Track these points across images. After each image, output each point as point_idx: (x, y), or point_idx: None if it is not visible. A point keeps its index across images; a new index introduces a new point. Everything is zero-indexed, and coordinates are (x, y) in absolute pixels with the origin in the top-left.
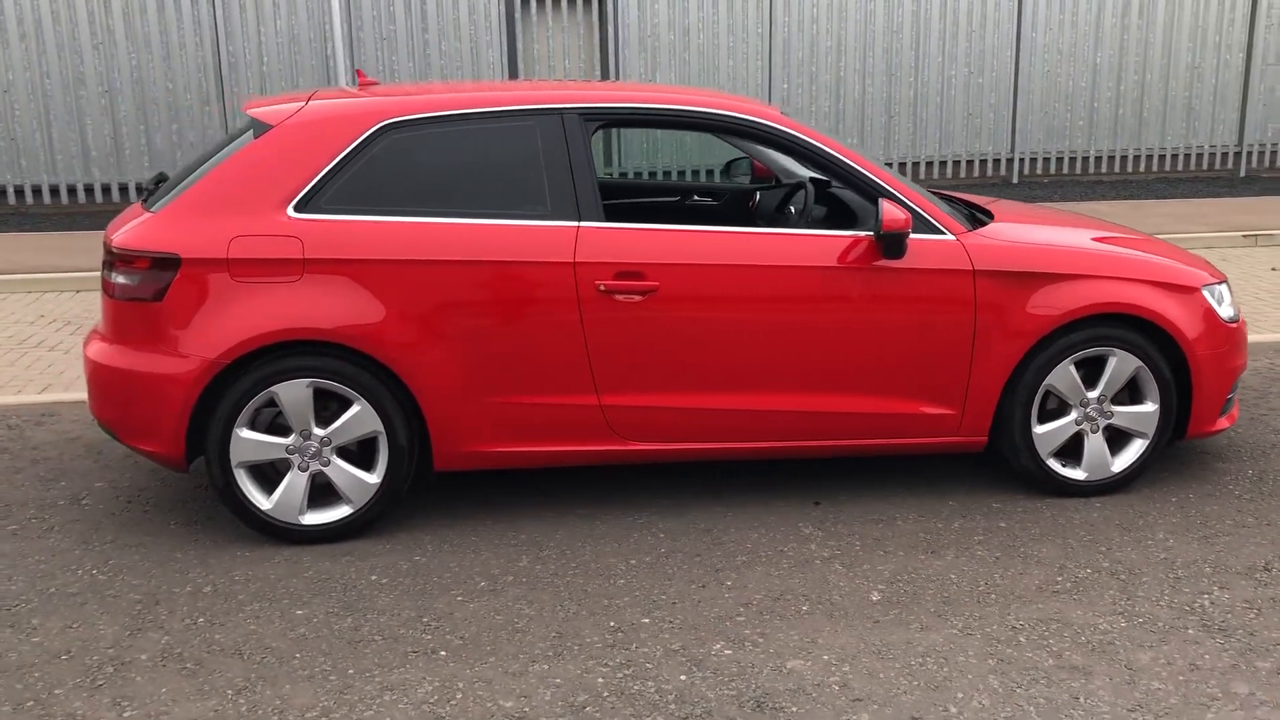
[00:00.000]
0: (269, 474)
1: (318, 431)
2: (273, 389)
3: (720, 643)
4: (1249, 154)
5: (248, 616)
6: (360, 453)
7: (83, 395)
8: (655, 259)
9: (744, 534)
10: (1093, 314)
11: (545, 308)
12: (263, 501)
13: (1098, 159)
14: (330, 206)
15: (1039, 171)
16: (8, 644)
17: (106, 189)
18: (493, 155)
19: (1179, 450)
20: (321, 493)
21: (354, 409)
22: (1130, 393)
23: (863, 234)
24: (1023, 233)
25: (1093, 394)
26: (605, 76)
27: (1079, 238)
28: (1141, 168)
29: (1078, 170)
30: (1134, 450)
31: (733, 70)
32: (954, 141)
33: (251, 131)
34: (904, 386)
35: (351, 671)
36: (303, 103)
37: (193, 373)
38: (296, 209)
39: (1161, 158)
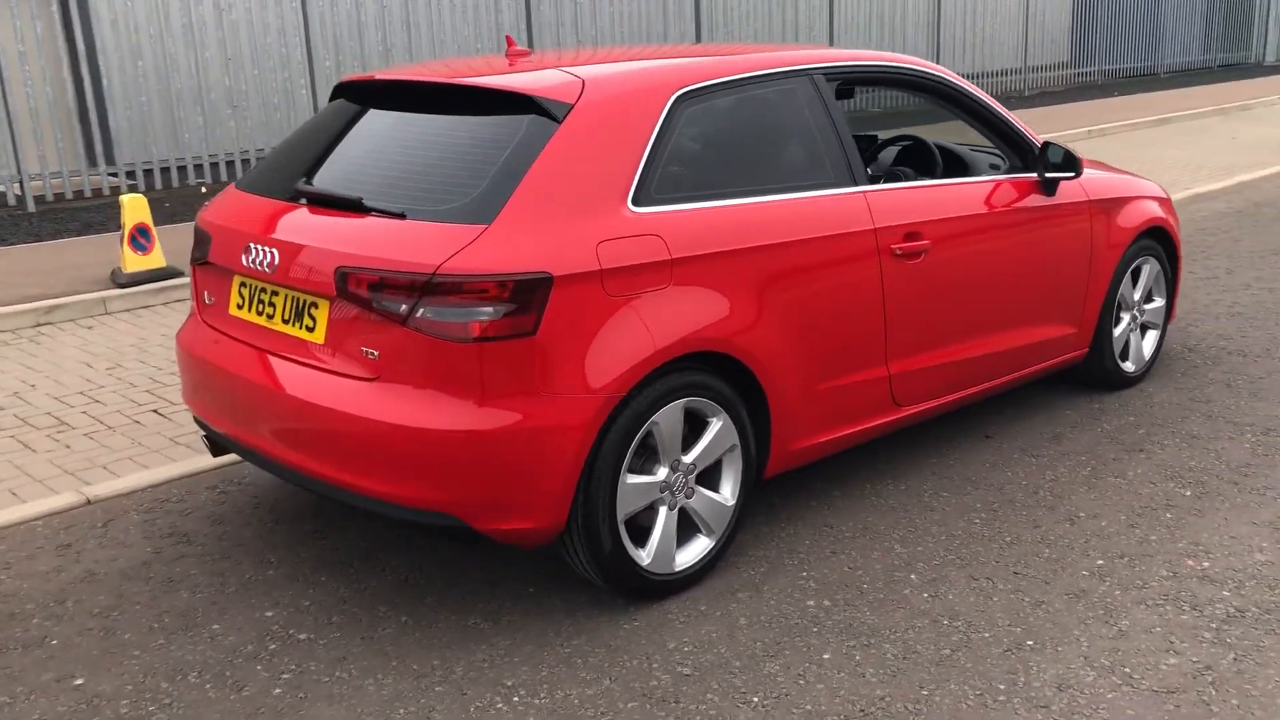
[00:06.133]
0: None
1: (684, 460)
2: (654, 419)
3: (1188, 560)
4: None
5: (786, 676)
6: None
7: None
8: (926, 216)
9: (992, 474)
10: (1143, 230)
11: (857, 280)
12: (642, 557)
13: None
14: (660, 196)
15: None
16: None
17: None
18: (772, 122)
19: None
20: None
21: (716, 425)
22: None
23: (1020, 176)
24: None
25: (1137, 297)
26: (76, 73)
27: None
28: None
29: None
30: (1151, 341)
31: (266, 52)
32: None
33: (540, 113)
34: (1058, 312)
35: (1016, 697)
36: (562, 71)
37: (586, 416)
38: (635, 202)
39: None
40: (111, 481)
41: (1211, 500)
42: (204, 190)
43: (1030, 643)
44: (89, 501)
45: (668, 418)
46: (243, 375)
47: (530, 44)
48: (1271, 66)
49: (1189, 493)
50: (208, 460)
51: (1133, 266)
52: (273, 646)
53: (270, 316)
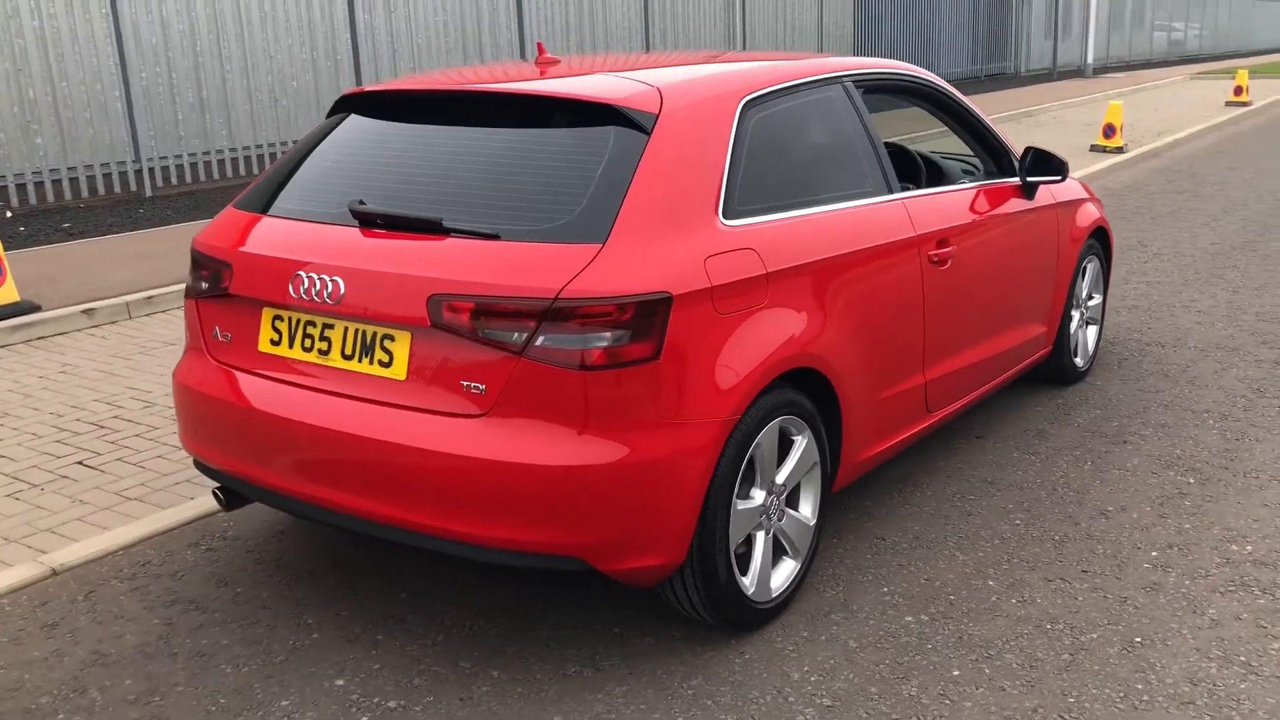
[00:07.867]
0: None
1: (777, 481)
2: (758, 440)
3: (1231, 545)
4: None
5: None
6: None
7: None
8: (951, 223)
9: (1004, 474)
10: (1091, 230)
11: (906, 287)
12: (746, 585)
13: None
14: (743, 207)
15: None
16: None
17: None
18: (824, 129)
19: None
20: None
21: (802, 443)
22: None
23: (1006, 181)
24: None
25: (1084, 294)
26: None
27: None
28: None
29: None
30: (1093, 336)
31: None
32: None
33: (625, 123)
34: (1036, 312)
35: (1159, 696)
36: (631, 79)
37: (709, 441)
38: (725, 215)
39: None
40: (71, 547)
41: (1216, 486)
42: (9, 215)
43: (1138, 640)
44: (55, 572)
45: (768, 438)
46: (291, 418)
47: (355, 53)
48: (1029, 76)
49: (1192, 480)
50: (175, 514)
51: (1081, 265)
52: (364, 719)
53: (324, 352)
